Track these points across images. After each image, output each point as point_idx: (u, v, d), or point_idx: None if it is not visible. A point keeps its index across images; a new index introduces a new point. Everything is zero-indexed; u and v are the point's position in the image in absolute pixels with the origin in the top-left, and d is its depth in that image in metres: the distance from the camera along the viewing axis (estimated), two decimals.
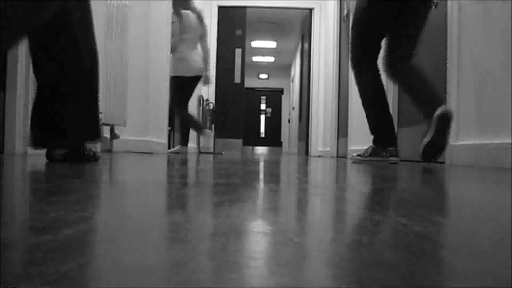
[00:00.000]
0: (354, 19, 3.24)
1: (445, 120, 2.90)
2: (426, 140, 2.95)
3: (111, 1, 4.31)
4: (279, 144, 18.61)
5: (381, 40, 3.22)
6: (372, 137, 3.29)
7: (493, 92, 2.97)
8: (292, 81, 15.70)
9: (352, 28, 3.27)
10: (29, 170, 1.35)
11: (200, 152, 7.61)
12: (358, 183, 1.19)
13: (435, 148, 2.93)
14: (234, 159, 3.47)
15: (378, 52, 3.23)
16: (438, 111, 2.88)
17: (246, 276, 0.30)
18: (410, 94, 3.09)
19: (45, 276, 0.29)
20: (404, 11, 3.12)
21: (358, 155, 3.30)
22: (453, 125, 3.52)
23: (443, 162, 3.82)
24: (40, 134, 1.94)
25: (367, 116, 3.24)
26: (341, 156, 7.17)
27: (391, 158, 3.14)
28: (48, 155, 1.95)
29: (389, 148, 3.16)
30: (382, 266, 0.33)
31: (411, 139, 4.73)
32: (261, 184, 1.07)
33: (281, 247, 0.39)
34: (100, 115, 2.24)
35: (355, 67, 3.24)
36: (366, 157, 3.19)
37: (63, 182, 0.97)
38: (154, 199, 0.72)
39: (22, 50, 2.87)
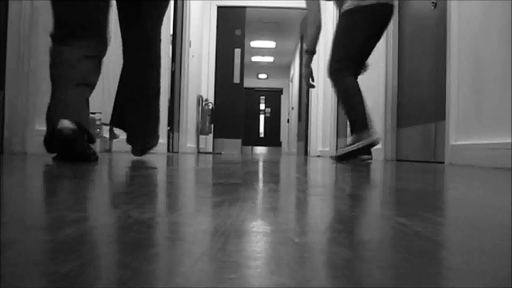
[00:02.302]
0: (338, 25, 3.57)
1: (372, 145, 3.27)
2: (342, 150, 3.34)
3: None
4: (279, 144, 18.61)
5: (364, 48, 3.50)
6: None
7: (493, 92, 2.97)
8: (291, 81, 15.70)
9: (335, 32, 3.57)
10: (29, 170, 1.35)
11: (199, 152, 7.62)
12: (358, 183, 1.19)
13: (346, 157, 3.30)
14: (234, 159, 3.48)
15: (360, 57, 3.52)
16: (371, 136, 3.25)
17: (246, 276, 0.30)
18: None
19: (45, 276, 0.29)
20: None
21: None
22: (453, 125, 3.52)
23: (442, 162, 3.82)
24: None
25: (347, 114, 3.45)
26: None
27: (374, 138, 3.30)
28: (58, 130, 1.93)
29: (367, 130, 3.32)
30: (382, 266, 0.33)
31: (411, 139, 4.73)
32: (261, 184, 1.07)
33: (281, 247, 0.39)
34: (99, 114, 2.30)
35: (333, 70, 3.51)
36: (348, 146, 3.34)
37: (63, 182, 0.97)
38: (154, 199, 0.72)
39: (22, 48, 2.87)
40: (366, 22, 3.45)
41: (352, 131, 3.39)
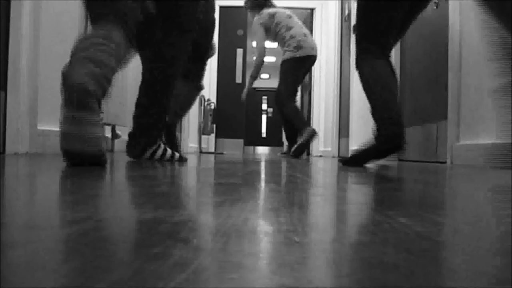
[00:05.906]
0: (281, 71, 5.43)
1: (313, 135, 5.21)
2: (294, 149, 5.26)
3: None
4: (281, 144, 18.60)
5: (295, 86, 5.31)
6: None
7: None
8: None
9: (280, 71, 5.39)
10: (29, 170, 1.36)
11: (201, 152, 7.62)
12: (359, 183, 1.19)
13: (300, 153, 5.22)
14: (235, 159, 3.48)
15: (296, 91, 5.26)
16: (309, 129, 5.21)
17: (247, 276, 0.30)
18: None
19: (45, 276, 0.29)
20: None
21: (283, 153, 5.67)
22: (455, 125, 3.52)
23: (444, 162, 3.82)
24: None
25: (296, 129, 5.30)
26: (342, 156, 7.17)
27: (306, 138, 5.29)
28: None
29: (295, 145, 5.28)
30: (382, 266, 0.33)
31: (413, 139, 4.72)
32: (262, 184, 1.07)
33: (282, 247, 0.39)
34: (102, 114, 2.33)
35: (279, 102, 5.29)
36: (290, 153, 5.22)
37: (63, 182, 0.97)
38: (155, 199, 0.72)
39: (24, 48, 2.87)
40: (298, 69, 5.23)
41: (290, 143, 5.39)
